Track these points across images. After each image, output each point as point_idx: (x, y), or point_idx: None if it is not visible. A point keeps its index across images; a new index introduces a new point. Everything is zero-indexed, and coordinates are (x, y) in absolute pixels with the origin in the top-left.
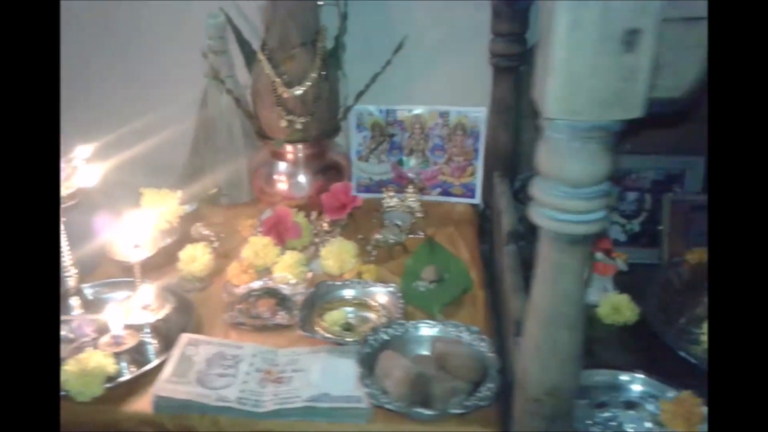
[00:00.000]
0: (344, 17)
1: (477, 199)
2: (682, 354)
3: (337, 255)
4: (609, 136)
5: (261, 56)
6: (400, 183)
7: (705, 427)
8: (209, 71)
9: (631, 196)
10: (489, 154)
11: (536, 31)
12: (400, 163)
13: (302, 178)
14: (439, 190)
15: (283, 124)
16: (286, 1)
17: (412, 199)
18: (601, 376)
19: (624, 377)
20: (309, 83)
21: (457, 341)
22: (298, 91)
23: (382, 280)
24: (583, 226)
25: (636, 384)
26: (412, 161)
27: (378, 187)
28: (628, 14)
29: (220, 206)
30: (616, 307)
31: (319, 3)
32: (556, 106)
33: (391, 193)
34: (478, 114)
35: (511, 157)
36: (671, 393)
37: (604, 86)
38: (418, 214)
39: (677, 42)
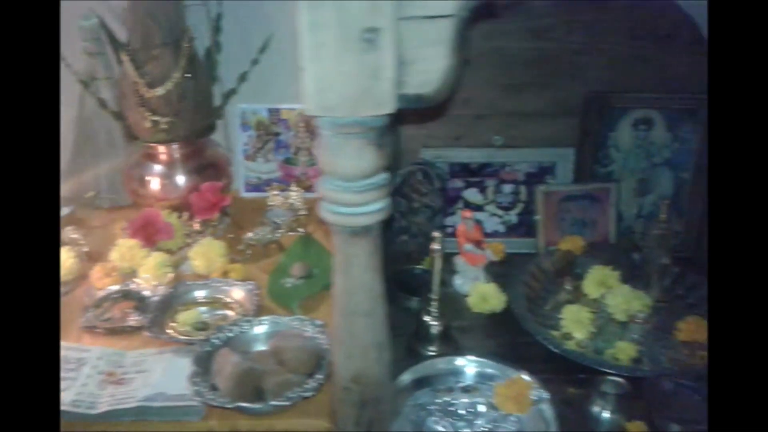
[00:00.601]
0: (218, 17)
1: None
2: (539, 339)
3: (205, 255)
4: (370, 131)
5: (124, 57)
6: (288, 181)
7: (540, 407)
8: (81, 73)
9: (507, 188)
10: None
11: None
12: (288, 161)
13: (177, 179)
14: None
15: (148, 124)
16: (145, 1)
17: (295, 196)
18: (441, 363)
19: (460, 362)
20: (172, 83)
21: (298, 335)
22: (160, 91)
23: (250, 279)
24: (360, 218)
25: (472, 368)
26: (302, 159)
27: (267, 186)
28: (364, 14)
29: (101, 209)
30: (484, 296)
31: (186, 2)
32: (312, 103)
33: (275, 192)
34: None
35: (392, 153)
36: (506, 376)
37: (351, 83)
38: (301, 212)
39: (422, 40)
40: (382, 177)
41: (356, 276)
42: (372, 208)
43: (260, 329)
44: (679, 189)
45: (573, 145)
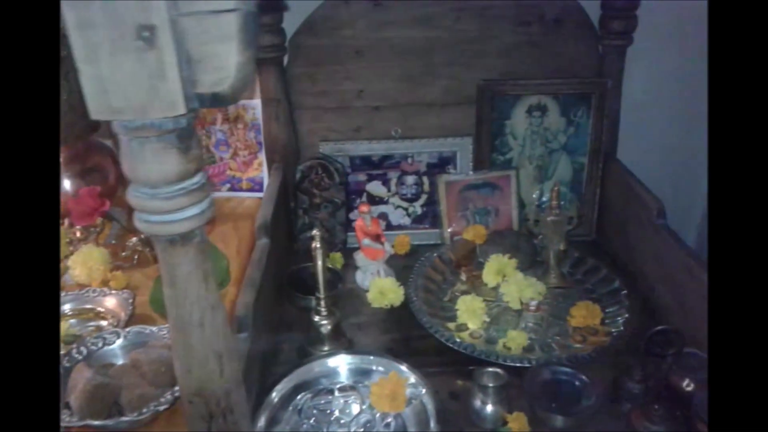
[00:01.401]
0: None
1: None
2: (432, 332)
3: (84, 263)
4: (167, 133)
5: None
6: None
7: (423, 402)
8: None
9: (410, 180)
10: (267, 147)
11: (293, 23)
12: None
13: (60, 184)
14: (228, 185)
15: None
16: None
17: None
18: (316, 365)
19: (333, 362)
20: None
21: (164, 345)
22: None
23: (134, 286)
24: (174, 226)
25: (345, 367)
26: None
27: None
28: (135, 11)
29: None
30: (382, 290)
31: None
32: (95, 106)
33: None
34: (255, 106)
35: (289, 149)
36: (385, 371)
37: (135, 85)
38: None
39: (208, 37)
40: (194, 181)
41: (182, 285)
42: (186, 215)
43: (125, 341)
44: (577, 173)
45: (471, 134)
